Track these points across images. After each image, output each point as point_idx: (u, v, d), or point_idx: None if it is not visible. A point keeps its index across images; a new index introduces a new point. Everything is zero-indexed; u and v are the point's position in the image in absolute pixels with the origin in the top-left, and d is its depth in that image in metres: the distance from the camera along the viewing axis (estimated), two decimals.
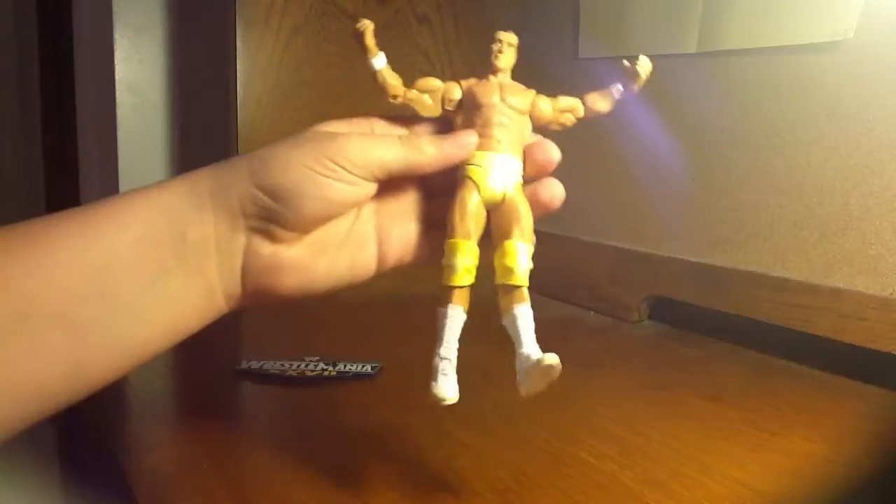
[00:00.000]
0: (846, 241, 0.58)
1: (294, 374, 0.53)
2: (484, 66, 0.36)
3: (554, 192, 0.36)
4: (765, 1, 0.63)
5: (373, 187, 0.34)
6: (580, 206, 0.82)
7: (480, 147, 0.35)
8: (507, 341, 0.33)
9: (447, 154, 0.34)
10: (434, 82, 0.36)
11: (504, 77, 0.36)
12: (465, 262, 0.33)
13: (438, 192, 0.36)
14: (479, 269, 0.34)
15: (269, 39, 0.75)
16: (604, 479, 0.39)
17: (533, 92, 0.36)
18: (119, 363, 0.31)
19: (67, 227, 0.31)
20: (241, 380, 0.54)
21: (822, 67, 0.59)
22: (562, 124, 0.37)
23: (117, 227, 0.31)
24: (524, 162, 0.36)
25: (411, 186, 0.37)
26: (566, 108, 0.37)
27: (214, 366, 0.56)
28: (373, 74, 0.35)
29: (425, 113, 0.36)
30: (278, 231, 0.33)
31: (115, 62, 0.86)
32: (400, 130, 0.37)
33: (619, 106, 0.37)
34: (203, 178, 0.33)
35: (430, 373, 0.33)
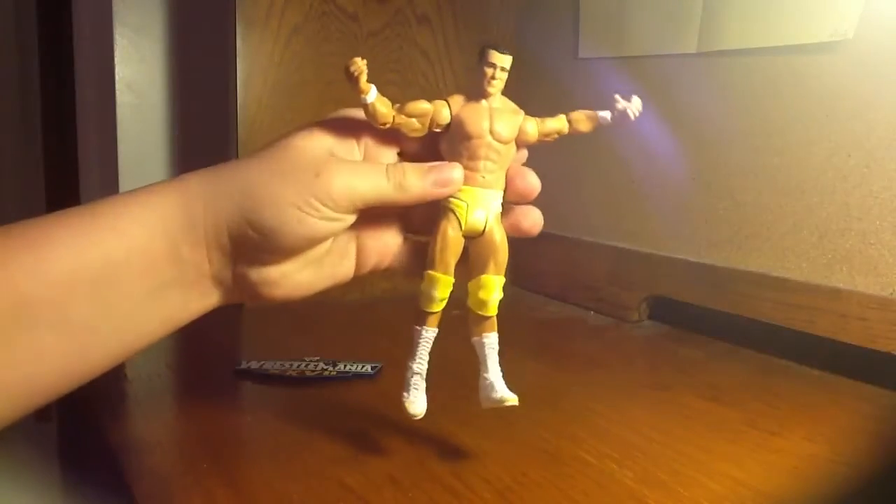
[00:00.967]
0: (846, 241, 0.58)
1: (294, 374, 0.53)
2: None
3: (534, 220, 0.37)
4: (765, 1, 0.63)
5: (353, 218, 0.35)
6: (580, 205, 0.82)
7: (466, 181, 0.36)
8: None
9: (432, 192, 0.35)
10: (422, 106, 0.36)
11: (494, 101, 0.36)
12: (441, 294, 0.36)
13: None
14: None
15: (269, 39, 0.75)
16: (604, 478, 0.39)
17: (521, 115, 0.37)
18: (114, 359, 0.32)
19: (66, 229, 0.31)
20: (241, 380, 0.54)
21: (822, 67, 0.59)
22: (545, 142, 0.38)
23: (114, 233, 0.31)
24: (505, 187, 0.37)
25: None
26: (552, 131, 0.38)
27: (214, 366, 0.56)
28: (363, 106, 0.35)
29: (412, 135, 0.36)
30: (264, 256, 0.34)
31: (115, 62, 0.86)
32: (387, 151, 0.37)
33: (614, 104, 0.38)
34: (198, 194, 0.33)
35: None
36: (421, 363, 0.37)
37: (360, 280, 0.39)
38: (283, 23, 0.76)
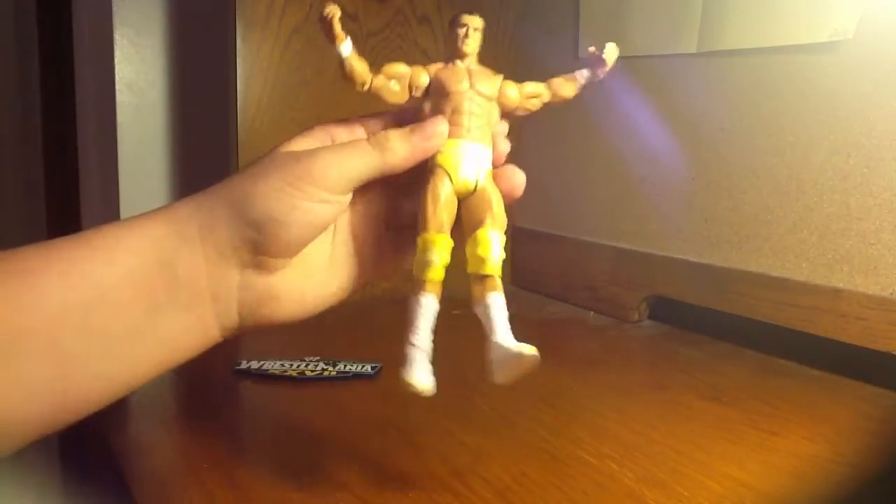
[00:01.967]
0: (846, 241, 0.58)
1: (294, 374, 0.53)
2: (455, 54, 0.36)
3: (514, 181, 0.36)
4: (765, 1, 0.63)
5: (347, 198, 0.34)
6: (580, 206, 0.82)
7: (450, 135, 0.35)
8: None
9: (419, 148, 0.34)
10: (401, 67, 0.35)
11: (471, 62, 0.36)
12: (441, 258, 0.33)
13: (407, 189, 0.36)
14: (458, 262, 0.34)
15: (269, 39, 0.75)
16: (604, 478, 0.39)
17: (500, 77, 0.36)
18: (108, 394, 0.31)
19: (57, 259, 0.30)
20: (241, 380, 0.54)
21: (822, 67, 0.59)
22: (528, 109, 0.37)
23: (105, 262, 0.30)
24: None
25: (379, 194, 0.36)
26: (532, 94, 0.37)
27: (214, 366, 0.56)
28: (339, 63, 0.34)
29: (392, 100, 0.35)
30: (267, 260, 0.33)
31: (115, 62, 0.86)
32: (361, 132, 0.36)
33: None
34: (189, 215, 0.32)
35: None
36: (421, 336, 0.33)
37: None
38: (283, 23, 0.76)
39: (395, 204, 0.37)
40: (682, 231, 0.71)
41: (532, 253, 0.85)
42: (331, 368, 0.54)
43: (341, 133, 0.35)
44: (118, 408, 0.48)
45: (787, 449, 0.44)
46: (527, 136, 0.82)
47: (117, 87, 0.86)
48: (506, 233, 0.34)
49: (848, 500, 0.38)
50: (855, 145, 0.57)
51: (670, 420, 0.48)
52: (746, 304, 0.64)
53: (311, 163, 0.32)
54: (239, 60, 0.74)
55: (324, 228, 0.34)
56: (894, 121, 0.55)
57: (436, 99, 0.35)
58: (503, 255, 0.34)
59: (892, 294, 0.55)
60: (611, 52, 0.37)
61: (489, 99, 0.35)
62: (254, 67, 0.75)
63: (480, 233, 0.33)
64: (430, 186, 0.34)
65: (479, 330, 0.34)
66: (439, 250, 0.33)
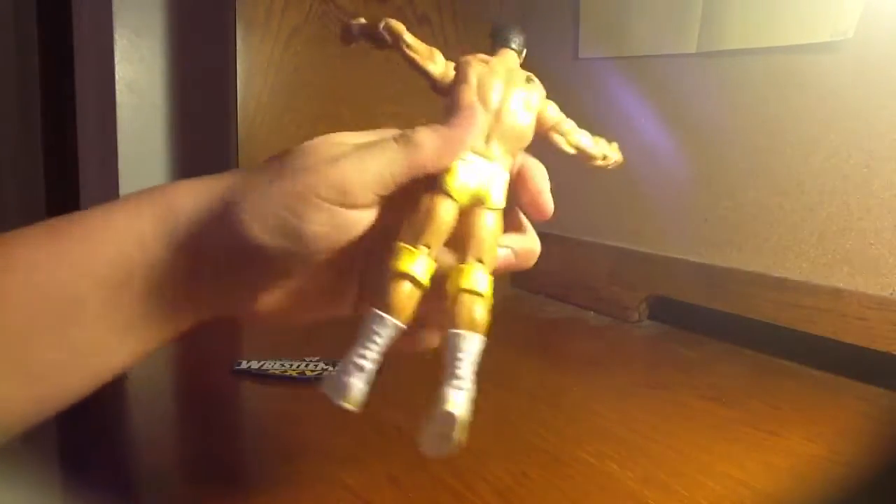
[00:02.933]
0: (846, 241, 0.58)
1: (294, 374, 0.53)
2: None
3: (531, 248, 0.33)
4: (765, 1, 0.63)
5: (375, 207, 0.29)
6: (580, 205, 0.82)
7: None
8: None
9: (452, 141, 0.29)
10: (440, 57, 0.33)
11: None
12: (404, 268, 0.29)
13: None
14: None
15: (269, 39, 0.75)
16: (604, 479, 0.39)
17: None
18: (83, 392, 0.28)
19: (33, 256, 0.27)
20: (241, 380, 0.54)
21: (822, 67, 0.59)
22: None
23: (84, 267, 0.27)
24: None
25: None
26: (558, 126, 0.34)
27: (214, 366, 0.56)
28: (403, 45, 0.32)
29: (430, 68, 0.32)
30: (257, 282, 0.30)
31: (115, 62, 0.86)
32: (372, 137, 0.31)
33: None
34: (184, 215, 0.28)
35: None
36: (365, 353, 0.28)
37: None
38: (282, 23, 0.76)
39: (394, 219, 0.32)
40: (682, 231, 0.71)
41: None
42: (331, 368, 0.54)
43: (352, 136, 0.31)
44: (118, 408, 0.48)
45: (786, 449, 0.44)
46: None
47: (117, 87, 0.86)
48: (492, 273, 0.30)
49: (847, 501, 0.38)
50: (855, 145, 0.57)
51: (670, 420, 0.48)
52: (746, 304, 0.64)
53: (341, 168, 0.28)
54: (239, 60, 0.74)
55: (348, 238, 0.29)
56: (894, 121, 0.55)
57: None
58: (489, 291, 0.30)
59: (892, 294, 0.55)
60: (613, 156, 0.35)
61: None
62: (254, 67, 0.75)
63: (466, 267, 0.30)
64: (422, 197, 0.30)
65: None
66: (404, 262, 0.28)
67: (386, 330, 0.28)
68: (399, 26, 0.31)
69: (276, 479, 0.38)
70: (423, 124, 0.30)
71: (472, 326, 0.28)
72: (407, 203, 0.30)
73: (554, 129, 0.33)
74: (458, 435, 0.27)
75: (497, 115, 0.31)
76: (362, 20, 0.33)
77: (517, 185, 0.32)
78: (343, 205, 0.28)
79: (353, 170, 0.28)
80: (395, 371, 0.53)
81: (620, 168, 0.36)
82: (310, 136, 0.31)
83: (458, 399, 0.27)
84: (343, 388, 0.28)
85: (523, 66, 0.34)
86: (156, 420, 0.48)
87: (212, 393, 0.52)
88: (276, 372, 0.53)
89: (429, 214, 0.29)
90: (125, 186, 0.87)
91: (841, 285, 0.58)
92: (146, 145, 0.89)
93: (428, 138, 0.29)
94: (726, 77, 0.67)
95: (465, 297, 0.29)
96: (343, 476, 0.38)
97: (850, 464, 0.42)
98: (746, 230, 0.66)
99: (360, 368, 0.28)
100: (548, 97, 0.33)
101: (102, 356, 0.28)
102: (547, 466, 0.40)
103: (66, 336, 0.27)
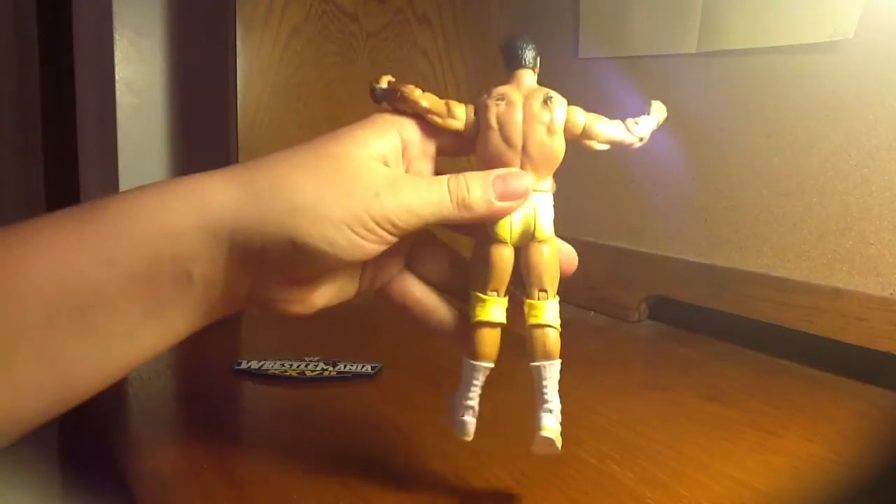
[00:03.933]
0: (846, 241, 0.58)
1: (294, 374, 0.53)
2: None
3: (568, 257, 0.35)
4: (765, 1, 0.63)
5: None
6: (580, 206, 0.82)
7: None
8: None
9: (497, 210, 0.31)
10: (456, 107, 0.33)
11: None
12: (485, 316, 0.33)
13: None
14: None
15: (269, 39, 0.75)
16: (604, 479, 0.39)
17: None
18: (103, 384, 0.29)
19: (53, 246, 0.27)
20: (241, 379, 0.54)
21: (822, 67, 0.59)
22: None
23: (108, 258, 0.27)
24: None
25: None
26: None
27: (214, 366, 0.56)
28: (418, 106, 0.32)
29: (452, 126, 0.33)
30: (298, 275, 0.31)
31: (115, 62, 0.86)
32: (429, 146, 0.33)
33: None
34: (223, 209, 0.29)
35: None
36: (471, 395, 0.33)
37: None
38: (283, 23, 0.76)
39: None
40: (682, 231, 0.71)
41: None
42: (331, 368, 0.54)
43: (410, 129, 0.32)
44: (118, 408, 0.48)
45: (786, 449, 0.44)
46: None
47: (117, 87, 0.86)
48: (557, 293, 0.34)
49: (847, 501, 0.38)
50: (855, 145, 0.57)
51: (670, 420, 0.48)
52: (746, 304, 0.64)
53: (390, 203, 0.29)
54: (239, 60, 0.74)
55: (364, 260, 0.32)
56: (894, 121, 0.55)
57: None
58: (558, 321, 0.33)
59: (892, 294, 0.55)
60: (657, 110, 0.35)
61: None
62: (254, 67, 0.75)
63: (532, 303, 0.33)
64: (484, 246, 0.33)
65: None
66: (484, 312, 0.33)
67: (481, 374, 0.33)
68: (412, 93, 0.32)
69: (276, 479, 0.38)
70: None
71: (545, 356, 0.33)
72: None
73: (583, 135, 0.34)
74: (558, 444, 0.32)
75: (525, 150, 0.32)
76: (384, 84, 0.34)
77: None
78: (385, 230, 0.30)
79: (405, 206, 0.30)
80: (395, 373, 0.54)
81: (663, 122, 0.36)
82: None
83: (550, 422, 0.32)
84: (463, 426, 0.34)
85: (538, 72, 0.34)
86: (156, 420, 0.48)
87: (212, 393, 0.52)
88: (276, 372, 0.53)
89: (488, 264, 0.32)
90: (125, 186, 0.87)
91: (841, 285, 0.58)
92: (146, 145, 0.89)
93: (479, 200, 0.31)
94: (726, 77, 0.67)
95: (536, 333, 0.33)
96: (343, 476, 0.38)
97: (850, 464, 0.42)
98: (746, 230, 0.66)
99: (470, 408, 0.33)
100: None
101: (125, 345, 0.28)
102: (547, 466, 0.40)
103: (88, 323, 0.27)
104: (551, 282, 0.33)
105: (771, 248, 0.64)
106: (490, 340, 0.33)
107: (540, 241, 0.33)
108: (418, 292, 0.36)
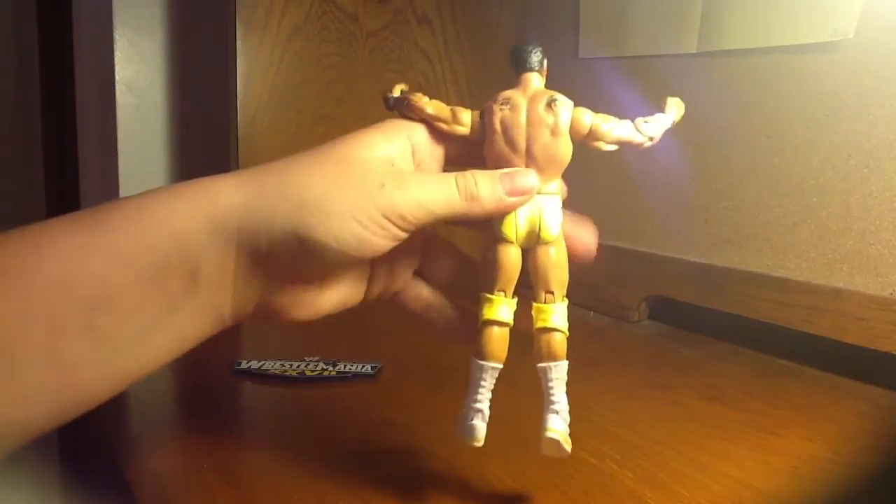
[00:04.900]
0: (846, 241, 0.58)
1: (294, 374, 0.53)
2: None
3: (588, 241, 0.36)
4: (765, 1, 0.63)
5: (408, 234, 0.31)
6: (580, 206, 0.82)
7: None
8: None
9: (505, 204, 0.32)
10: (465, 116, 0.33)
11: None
12: (492, 315, 0.33)
13: None
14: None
15: (269, 39, 0.75)
16: (604, 479, 0.39)
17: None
18: (113, 390, 0.29)
19: (60, 248, 0.27)
20: (241, 379, 0.54)
21: (822, 67, 0.59)
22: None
23: (116, 260, 0.27)
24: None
25: None
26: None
27: (214, 366, 0.56)
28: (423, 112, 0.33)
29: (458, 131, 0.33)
30: (304, 274, 0.31)
31: (115, 62, 0.86)
32: (437, 150, 0.34)
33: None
34: (229, 211, 0.29)
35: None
36: (479, 398, 0.33)
37: None
38: (283, 23, 0.76)
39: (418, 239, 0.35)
40: (682, 231, 0.71)
41: None
42: (331, 368, 0.54)
43: (419, 133, 0.33)
44: (118, 408, 0.48)
45: (786, 449, 0.44)
46: None
47: (117, 87, 0.86)
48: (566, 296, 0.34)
49: (847, 501, 0.38)
50: (855, 145, 0.57)
51: (670, 420, 0.48)
52: (746, 304, 0.64)
53: (397, 196, 0.29)
54: (239, 60, 0.74)
55: (372, 258, 0.32)
56: (894, 121, 0.55)
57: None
58: (566, 324, 0.34)
59: (892, 294, 0.55)
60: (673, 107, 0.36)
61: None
62: (254, 67, 0.75)
63: (538, 307, 0.33)
64: (491, 247, 0.33)
65: None
66: (492, 311, 0.32)
67: (489, 374, 0.33)
68: (419, 101, 0.33)
69: (276, 479, 0.38)
70: None
71: (551, 357, 0.33)
72: None
73: (590, 136, 0.34)
74: (565, 445, 0.32)
75: (529, 153, 0.32)
76: (397, 93, 0.34)
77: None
78: (393, 224, 0.30)
79: (412, 198, 0.30)
80: (395, 373, 0.54)
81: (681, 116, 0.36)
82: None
83: (556, 423, 0.32)
84: (472, 431, 0.33)
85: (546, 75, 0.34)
86: (156, 420, 0.48)
87: (212, 393, 0.52)
88: (276, 372, 0.53)
89: (495, 264, 0.32)
90: (125, 186, 0.87)
91: (841, 285, 0.58)
92: (146, 145, 0.89)
93: (487, 195, 0.31)
94: (727, 77, 0.67)
95: (543, 336, 0.33)
96: (343, 476, 0.38)
97: (850, 464, 0.42)
98: (746, 230, 0.66)
99: (479, 412, 0.33)
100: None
101: (133, 350, 0.28)
102: (547, 466, 0.40)
103: (97, 327, 0.27)
104: (558, 284, 0.33)
105: (771, 248, 0.64)
106: (497, 340, 0.33)
107: (546, 243, 0.33)
108: (428, 295, 0.36)
